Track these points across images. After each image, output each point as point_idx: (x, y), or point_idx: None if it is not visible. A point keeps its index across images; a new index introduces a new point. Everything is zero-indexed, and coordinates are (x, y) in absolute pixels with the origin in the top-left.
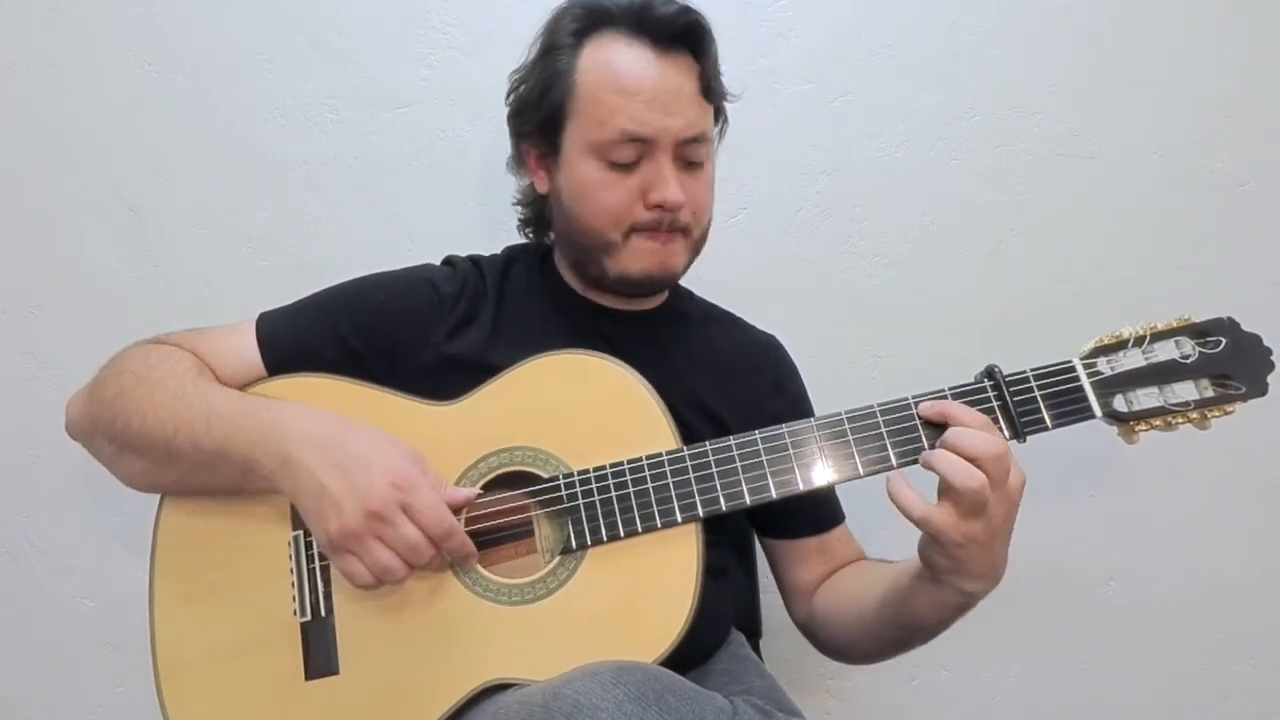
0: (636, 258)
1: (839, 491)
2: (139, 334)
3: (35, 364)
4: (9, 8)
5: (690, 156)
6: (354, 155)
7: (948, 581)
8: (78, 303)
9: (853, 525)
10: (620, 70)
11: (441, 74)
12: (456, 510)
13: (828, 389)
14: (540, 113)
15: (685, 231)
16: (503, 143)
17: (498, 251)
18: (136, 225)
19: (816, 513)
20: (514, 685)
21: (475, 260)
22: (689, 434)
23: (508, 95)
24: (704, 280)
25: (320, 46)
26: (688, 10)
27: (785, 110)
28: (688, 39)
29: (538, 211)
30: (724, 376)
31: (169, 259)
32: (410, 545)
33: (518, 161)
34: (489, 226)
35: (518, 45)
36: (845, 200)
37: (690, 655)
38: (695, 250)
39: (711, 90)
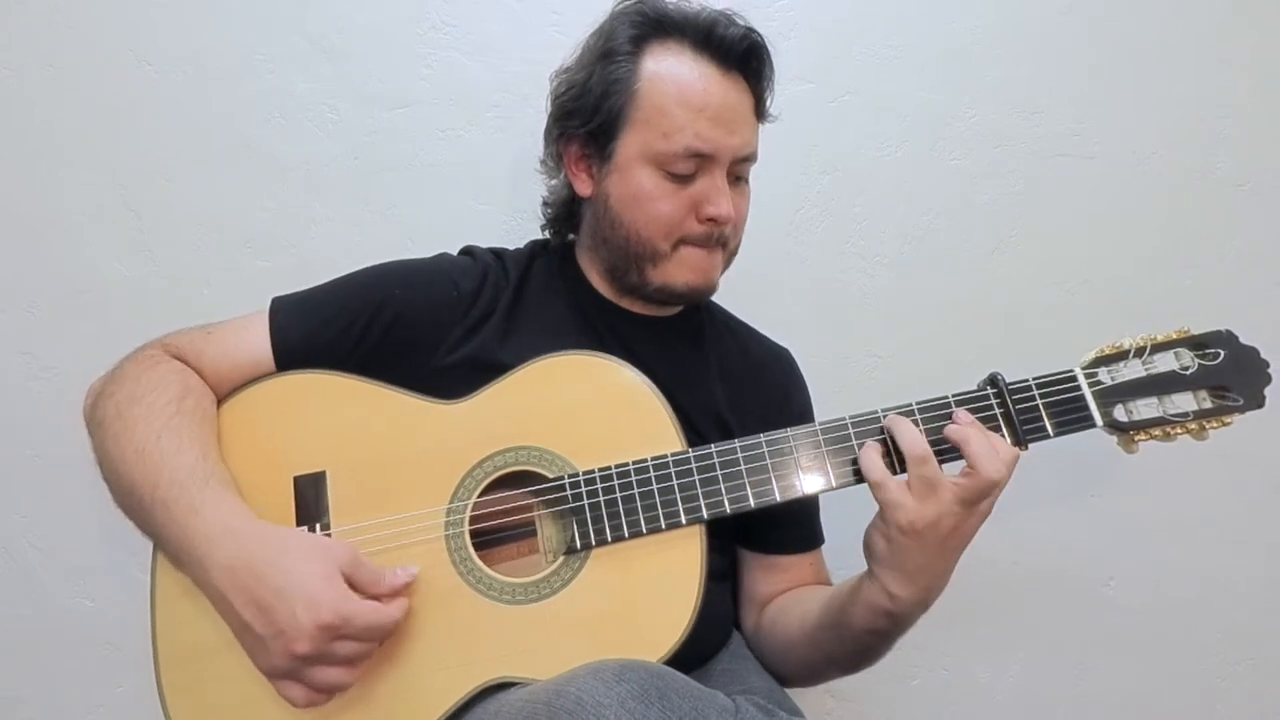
0: (681, 269)
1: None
2: (138, 334)
3: (35, 364)
4: (9, 8)
5: (740, 173)
6: (354, 155)
7: (878, 575)
8: (77, 303)
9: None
10: (688, 84)
11: (441, 74)
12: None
13: (827, 389)
14: (597, 117)
15: (725, 245)
16: (503, 142)
17: (520, 245)
18: (136, 225)
19: (798, 532)
20: (516, 684)
21: (499, 254)
22: (699, 441)
23: (554, 96)
24: None
25: (320, 46)
26: (751, 33)
27: (785, 110)
28: (749, 61)
29: (567, 212)
30: (737, 386)
31: (169, 259)
32: (351, 658)
33: (555, 162)
34: (490, 226)
35: (518, 45)
36: (845, 200)
37: (692, 657)
38: (729, 262)
39: (763, 113)
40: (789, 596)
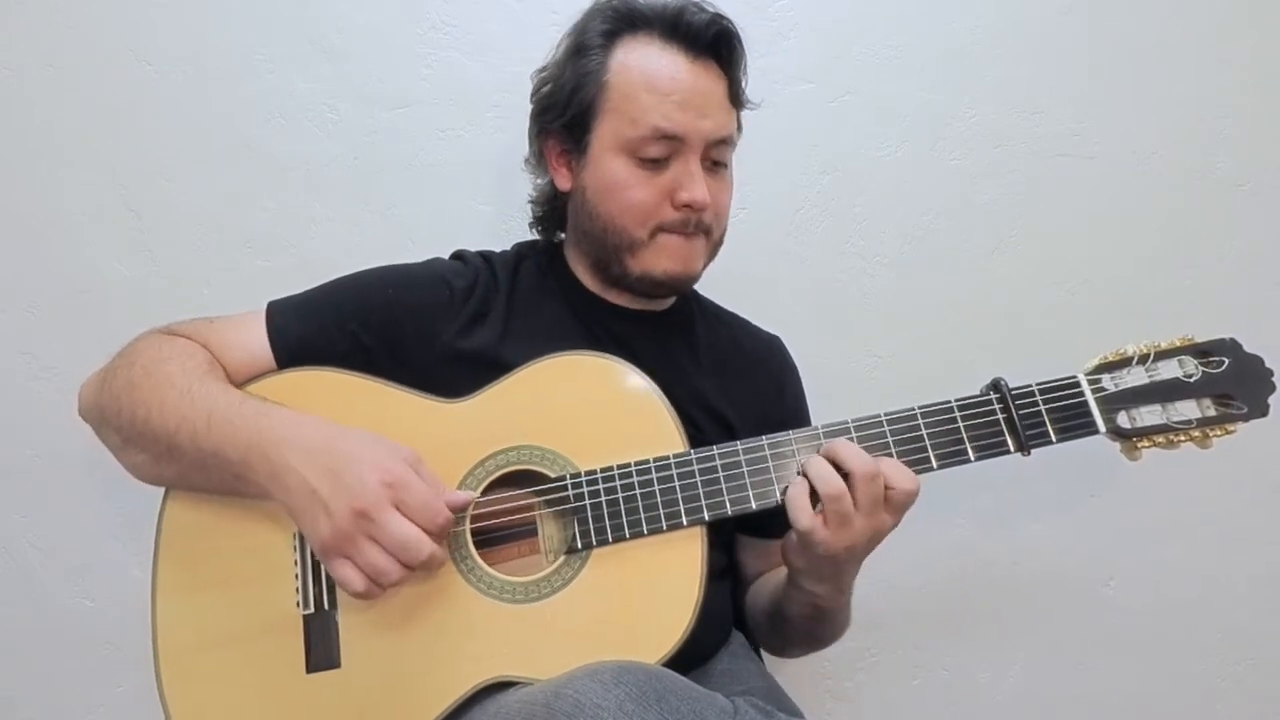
0: (660, 257)
1: None
2: (139, 334)
3: (35, 364)
4: (9, 7)
5: (718, 158)
6: (354, 155)
7: (799, 582)
8: (77, 303)
9: None
10: (655, 71)
11: (441, 74)
12: (456, 513)
13: (827, 389)
14: (570, 110)
15: (707, 233)
16: (503, 142)
17: (506, 248)
18: (136, 225)
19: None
20: (515, 683)
21: (486, 256)
22: (696, 433)
23: (533, 93)
24: (703, 279)
25: (320, 46)
26: (719, 19)
27: (785, 110)
28: (719, 47)
29: (553, 209)
30: (730, 377)
31: (169, 259)
32: (402, 543)
33: (537, 159)
34: (489, 226)
35: (518, 45)
36: (845, 200)
37: (692, 656)
38: (713, 252)
39: (738, 97)
40: (757, 583)
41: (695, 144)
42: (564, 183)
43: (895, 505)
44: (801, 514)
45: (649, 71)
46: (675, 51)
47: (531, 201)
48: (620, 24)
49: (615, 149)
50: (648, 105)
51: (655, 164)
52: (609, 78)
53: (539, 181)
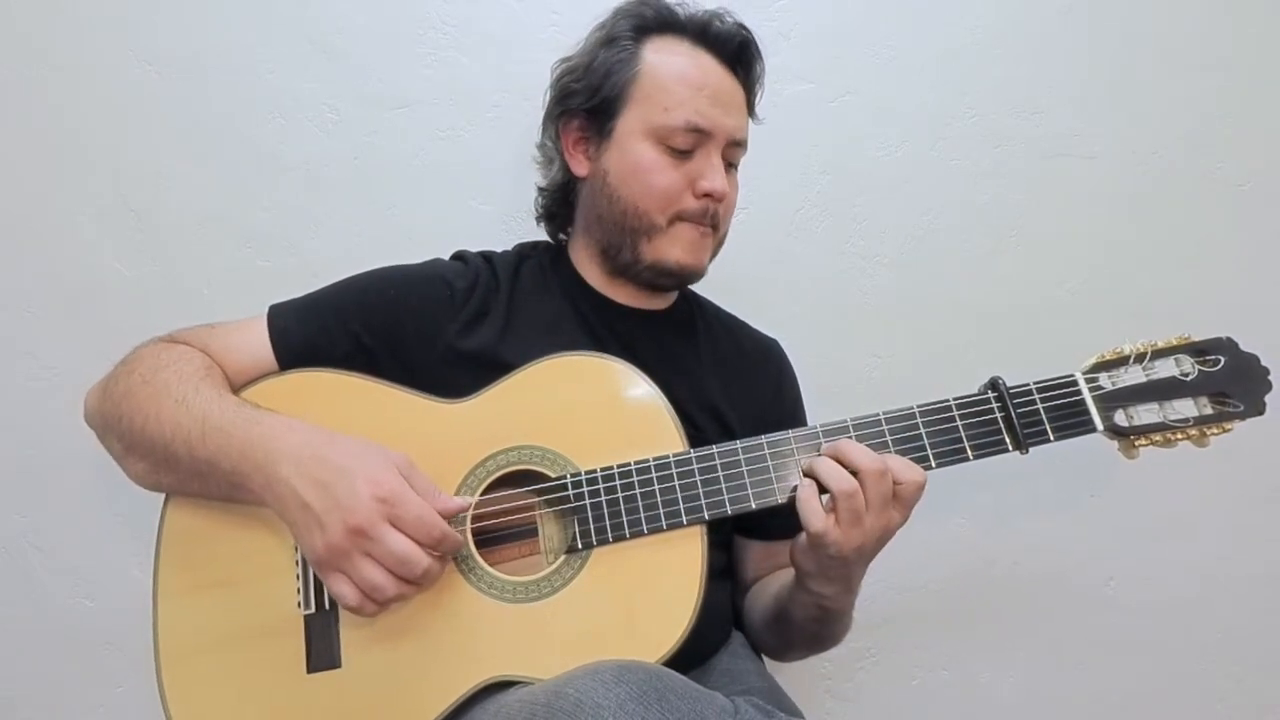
0: (674, 246)
1: None
2: (139, 334)
3: (35, 364)
4: (8, 7)
5: (733, 158)
6: (354, 155)
7: (806, 584)
8: (78, 303)
9: None
10: (688, 67)
11: (441, 74)
12: (451, 518)
13: (827, 389)
14: (599, 94)
15: (716, 228)
16: (503, 142)
17: (507, 249)
18: (136, 225)
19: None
20: (515, 683)
21: (487, 256)
22: (695, 433)
23: (554, 81)
24: (704, 279)
25: (320, 46)
26: (742, 28)
27: (785, 110)
28: (742, 56)
29: (562, 200)
30: (729, 378)
31: (169, 259)
32: (399, 558)
33: (552, 143)
34: (489, 226)
35: (518, 45)
36: (845, 200)
37: (692, 655)
38: (717, 250)
39: (752, 106)
40: (755, 587)
41: (720, 139)
42: (580, 169)
43: (903, 500)
44: (814, 516)
45: (682, 67)
46: (704, 53)
47: (541, 190)
48: (648, 24)
49: (643, 134)
50: (682, 98)
51: (681, 154)
52: (641, 68)
53: (549, 171)
